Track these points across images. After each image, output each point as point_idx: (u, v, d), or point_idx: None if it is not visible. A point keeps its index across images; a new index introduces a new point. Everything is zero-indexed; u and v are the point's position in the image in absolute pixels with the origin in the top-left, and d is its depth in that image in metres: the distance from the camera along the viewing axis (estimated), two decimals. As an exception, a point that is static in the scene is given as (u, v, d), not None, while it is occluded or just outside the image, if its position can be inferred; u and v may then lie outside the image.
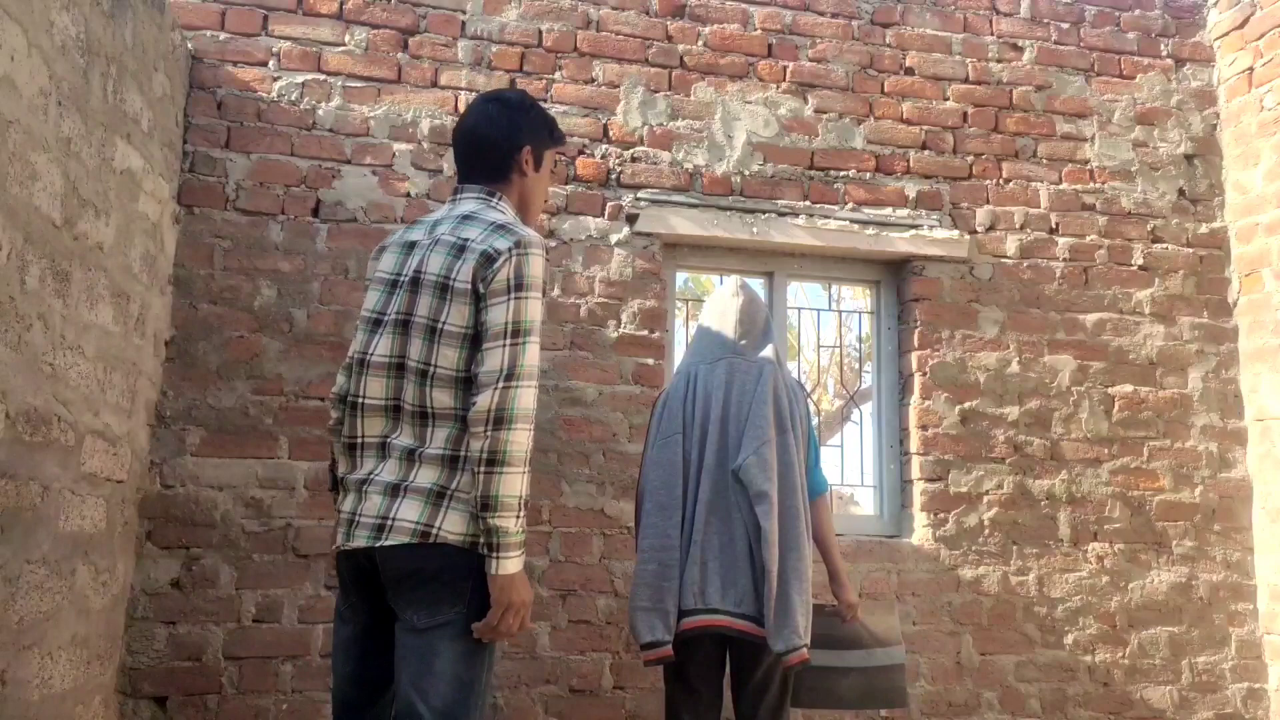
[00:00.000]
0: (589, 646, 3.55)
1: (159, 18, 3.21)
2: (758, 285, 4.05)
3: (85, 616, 2.81)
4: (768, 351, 2.99)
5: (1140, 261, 4.25)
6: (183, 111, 3.52)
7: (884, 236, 4.03)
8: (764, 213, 3.95)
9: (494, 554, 1.89)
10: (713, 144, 3.97)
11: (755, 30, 4.10)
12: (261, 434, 3.43)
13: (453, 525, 1.92)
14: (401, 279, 2.07)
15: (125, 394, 3.04)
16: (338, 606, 2.14)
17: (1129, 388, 4.14)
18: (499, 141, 2.16)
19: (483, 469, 1.89)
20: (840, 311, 4.61)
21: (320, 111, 3.67)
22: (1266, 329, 4.13)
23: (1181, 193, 4.35)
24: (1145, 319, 4.20)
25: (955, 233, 4.09)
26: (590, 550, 3.61)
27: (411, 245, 2.11)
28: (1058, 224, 4.21)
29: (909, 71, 4.20)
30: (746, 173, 3.97)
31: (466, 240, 2.01)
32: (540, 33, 3.90)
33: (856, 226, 4.01)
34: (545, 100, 3.85)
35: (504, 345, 1.92)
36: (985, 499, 3.94)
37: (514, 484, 1.89)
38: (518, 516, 1.90)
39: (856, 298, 5.00)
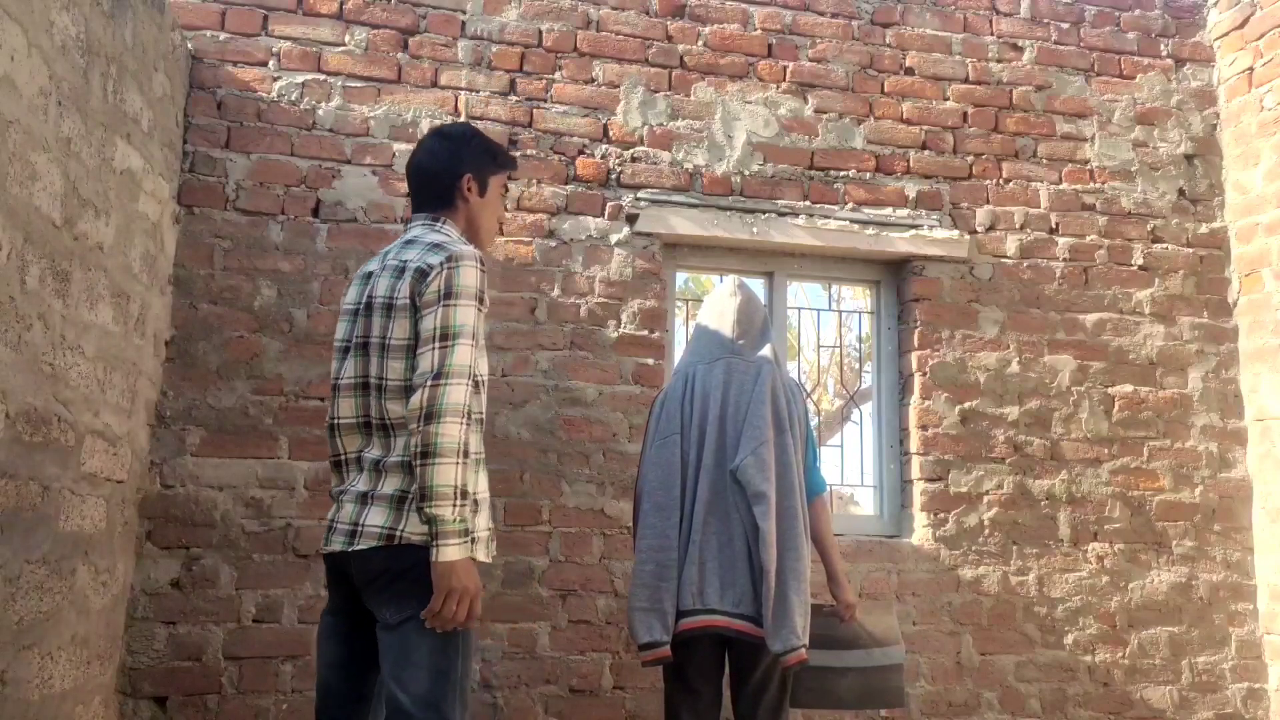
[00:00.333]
0: (589, 646, 3.56)
1: (159, 18, 3.21)
2: (758, 285, 4.06)
3: (85, 616, 2.82)
4: (766, 351, 2.99)
5: (1140, 261, 4.25)
6: (183, 111, 3.52)
7: (884, 236, 4.03)
8: (764, 213, 3.95)
9: (434, 542, 2.01)
10: (713, 144, 3.97)
11: (755, 30, 4.10)
12: (261, 434, 3.43)
13: (414, 526, 2.06)
14: (360, 306, 2.26)
15: (125, 394, 3.04)
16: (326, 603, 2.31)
17: (1129, 388, 4.14)
18: (440, 173, 2.33)
19: (418, 462, 2.01)
20: (840, 311, 4.61)
21: (320, 111, 3.67)
22: (1266, 329, 4.13)
23: (1181, 193, 4.35)
24: (1145, 319, 4.20)
25: (955, 233, 4.09)
26: (590, 550, 3.61)
27: (369, 275, 2.29)
28: (1058, 224, 4.21)
29: (909, 71, 4.20)
30: (746, 173, 3.98)
31: (406, 261, 2.18)
32: (540, 33, 3.90)
33: (856, 226, 4.01)
34: (545, 100, 3.85)
35: (433, 348, 2.06)
36: (985, 499, 3.94)
37: (447, 474, 1.99)
38: (454, 505, 2.00)
39: (856, 298, 5.00)
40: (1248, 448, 4.18)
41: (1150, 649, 3.97)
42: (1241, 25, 4.37)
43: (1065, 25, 4.38)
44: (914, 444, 3.96)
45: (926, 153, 4.15)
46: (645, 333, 3.80)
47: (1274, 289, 4.12)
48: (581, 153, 3.86)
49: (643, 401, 3.68)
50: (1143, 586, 4.00)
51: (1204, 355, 4.22)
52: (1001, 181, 4.20)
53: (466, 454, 2.03)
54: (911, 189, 4.11)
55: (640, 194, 3.86)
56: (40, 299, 2.43)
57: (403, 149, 3.69)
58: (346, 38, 3.74)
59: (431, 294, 2.10)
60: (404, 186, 3.65)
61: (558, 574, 3.57)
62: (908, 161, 4.13)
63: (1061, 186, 4.24)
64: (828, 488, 3.20)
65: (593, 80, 3.92)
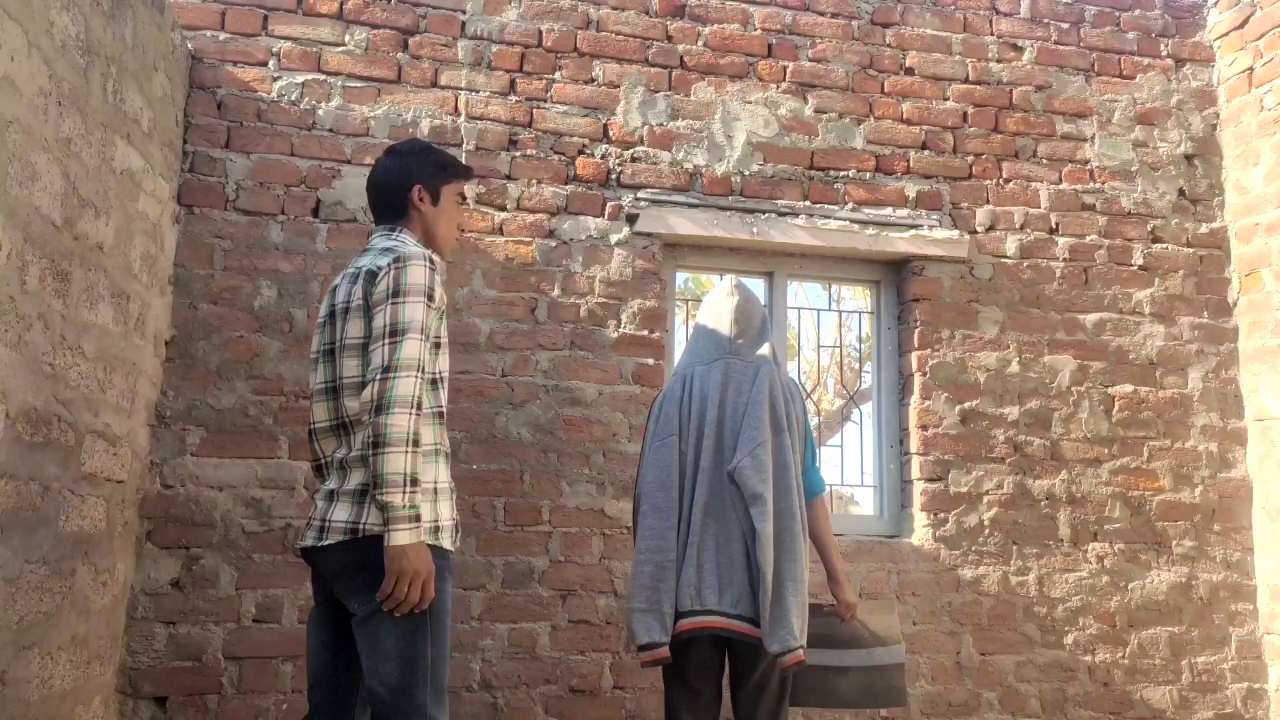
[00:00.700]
0: (589, 646, 3.56)
1: (159, 18, 3.21)
2: (758, 285, 4.06)
3: (85, 616, 2.82)
4: (764, 350, 2.98)
5: (1140, 261, 4.25)
6: (183, 111, 3.52)
7: (884, 236, 4.03)
8: (764, 213, 3.95)
9: (386, 528, 2.09)
10: (713, 144, 3.97)
11: (755, 30, 4.10)
12: (261, 434, 3.43)
13: (375, 519, 2.14)
14: (328, 316, 2.37)
15: (125, 394, 3.04)
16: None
17: (1129, 388, 4.14)
18: (392, 186, 2.45)
19: (370, 451, 2.10)
20: (840, 311, 4.62)
21: (320, 111, 3.67)
22: (1266, 329, 4.13)
23: (1181, 193, 4.35)
24: (1145, 319, 4.20)
25: (955, 233, 4.09)
26: (590, 550, 3.61)
27: (336, 288, 2.39)
28: (1058, 224, 4.21)
29: (909, 71, 4.21)
30: (746, 173, 3.98)
31: (361, 267, 2.30)
32: (540, 33, 3.90)
33: (856, 226, 4.01)
34: (545, 100, 3.86)
35: (383, 344, 2.15)
36: (985, 499, 3.94)
37: (396, 462, 2.08)
38: (404, 492, 2.09)
39: (856, 298, 5.01)
40: (1248, 448, 4.18)
41: (1150, 649, 3.97)
42: (1241, 25, 4.38)
43: (1065, 25, 4.38)
44: (914, 444, 3.96)
45: (926, 153, 4.15)
46: (645, 333, 3.80)
47: (1274, 289, 4.12)
48: (581, 153, 3.86)
49: (643, 401, 3.68)
50: (1143, 586, 4.00)
51: (1204, 355, 4.22)
52: (1001, 181, 4.20)
53: (417, 444, 2.12)
54: (911, 189, 4.11)
55: (640, 194, 3.86)
56: (40, 299, 2.43)
57: (403, 149, 3.69)
58: (346, 38, 3.74)
59: (380, 293, 2.19)
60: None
61: (558, 574, 3.57)
62: (908, 161, 4.13)
63: (1061, 186, 4.24)
64: (827, 488, 3.20)
65: (593, 80, 3.92)
